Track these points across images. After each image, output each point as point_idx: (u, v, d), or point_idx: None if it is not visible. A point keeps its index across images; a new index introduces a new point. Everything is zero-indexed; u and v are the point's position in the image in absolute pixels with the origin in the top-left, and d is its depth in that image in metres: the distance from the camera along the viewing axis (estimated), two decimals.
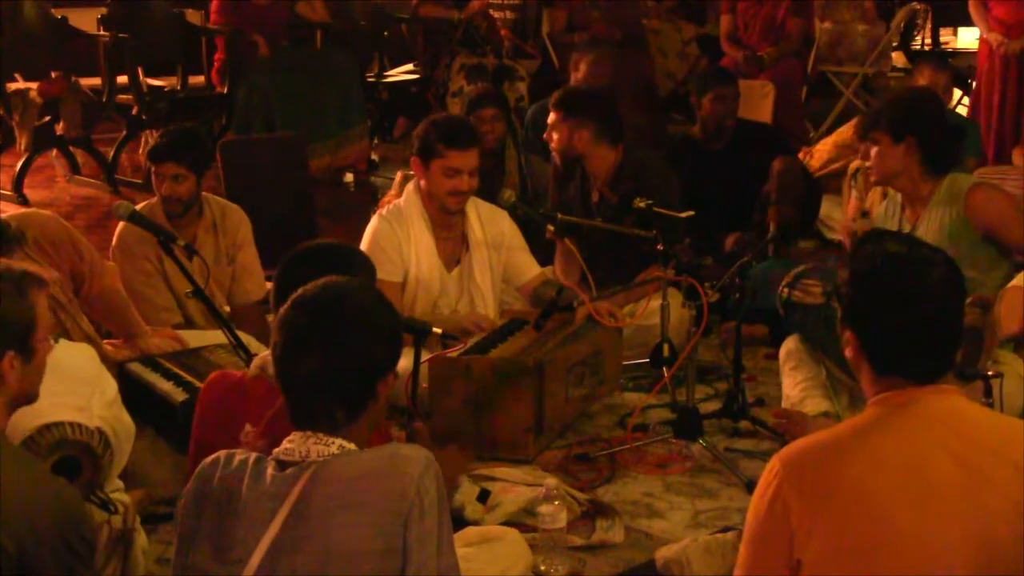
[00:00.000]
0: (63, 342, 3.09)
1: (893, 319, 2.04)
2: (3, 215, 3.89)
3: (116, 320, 3.96)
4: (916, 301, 2.03)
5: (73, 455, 2.78)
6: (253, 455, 2.10)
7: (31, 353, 2.32)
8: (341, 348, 2.08)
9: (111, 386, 3.01)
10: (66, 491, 2.27)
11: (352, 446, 2.09)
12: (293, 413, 2.12)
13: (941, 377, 2.04)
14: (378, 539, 1.99)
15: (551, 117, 4.81)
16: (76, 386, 2.87)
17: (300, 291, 2.15)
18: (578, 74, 6.27)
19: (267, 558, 2.00)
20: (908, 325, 2.03)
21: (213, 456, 2.14)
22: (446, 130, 4.24)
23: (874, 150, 4.02)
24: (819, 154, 6.40)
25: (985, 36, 6.72)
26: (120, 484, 3.00)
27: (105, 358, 3.44)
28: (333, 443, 2.08)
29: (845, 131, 6.39)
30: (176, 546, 2.13)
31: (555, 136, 4.79)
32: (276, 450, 2.11)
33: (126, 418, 2.99)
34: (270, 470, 2.06)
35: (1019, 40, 6.51)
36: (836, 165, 6.18)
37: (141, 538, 2.95)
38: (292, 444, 2.09)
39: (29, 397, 2.40)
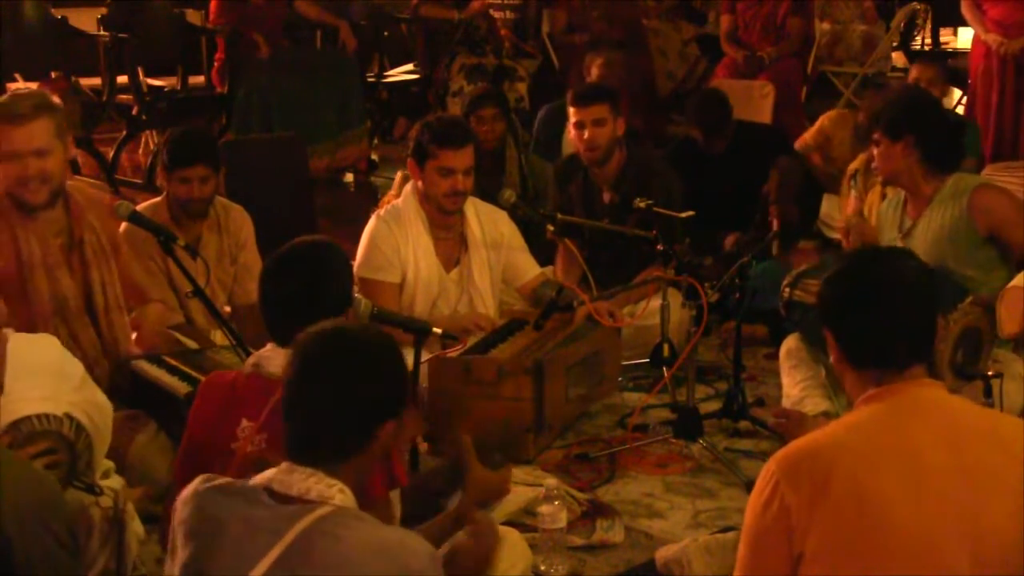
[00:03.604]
0: (20, 335, 3.03)
1: (859, 308, 2.11)
2: None
3: (129, 291, 3.96)
4: (879, 290, 2.11)
5: (48, 446, 2.74)
6: (240, 483, 2.06)
7: None
8: (345, 391, 2.05)
9: (76, 368, 2.94)
10: (45, 480, 2.24)
11: (350, 493, 2.03)
12: (287, 441, 2.08)
13: (916, 361, 2.09)
14: None
15: (586, 113, 4.68)
16: (39, 378, 2.81)
17: (306, 335, 2.11)
18: (590, 77, 6.28)
19: None
20: (874, 312, 2.09)
21: (198, 481, 2.09)
22: (438, 130, 4.23)
23: (876, 151, 4.04)
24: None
25: (983, 37, 6.71)
26: (110, 464, 2.98)
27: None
28: (334, 485, 2.01)
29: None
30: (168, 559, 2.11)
31: (598, 131, 4.68)
32: (265, 477, 2.05)
33: (100, 397, 2.93)
34: (264, 499, 2.01)
35: (1018, 40, 6.51)
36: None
37: (136, 524, 2.92)
38: (288, 476, 2.03)
39: None
